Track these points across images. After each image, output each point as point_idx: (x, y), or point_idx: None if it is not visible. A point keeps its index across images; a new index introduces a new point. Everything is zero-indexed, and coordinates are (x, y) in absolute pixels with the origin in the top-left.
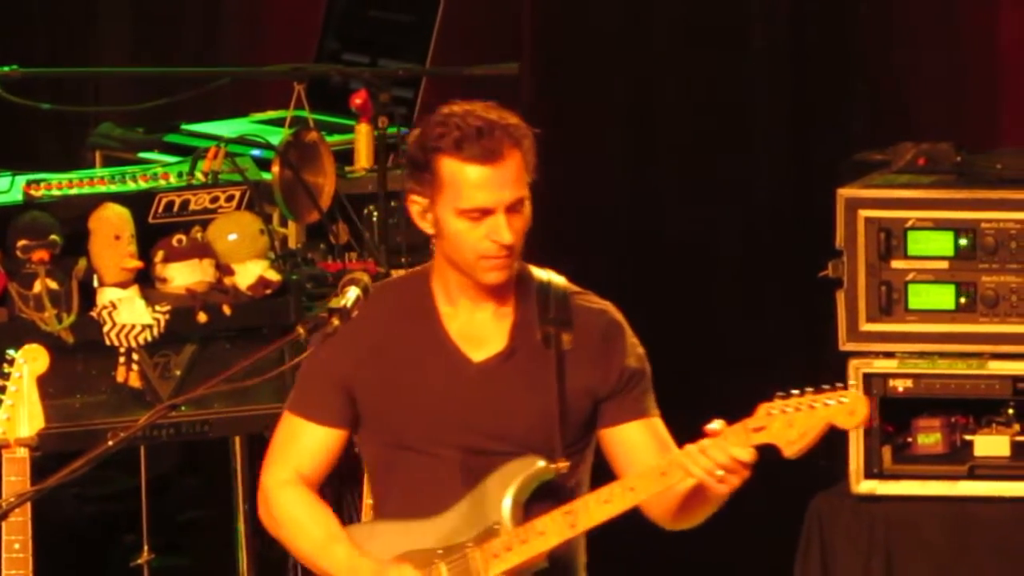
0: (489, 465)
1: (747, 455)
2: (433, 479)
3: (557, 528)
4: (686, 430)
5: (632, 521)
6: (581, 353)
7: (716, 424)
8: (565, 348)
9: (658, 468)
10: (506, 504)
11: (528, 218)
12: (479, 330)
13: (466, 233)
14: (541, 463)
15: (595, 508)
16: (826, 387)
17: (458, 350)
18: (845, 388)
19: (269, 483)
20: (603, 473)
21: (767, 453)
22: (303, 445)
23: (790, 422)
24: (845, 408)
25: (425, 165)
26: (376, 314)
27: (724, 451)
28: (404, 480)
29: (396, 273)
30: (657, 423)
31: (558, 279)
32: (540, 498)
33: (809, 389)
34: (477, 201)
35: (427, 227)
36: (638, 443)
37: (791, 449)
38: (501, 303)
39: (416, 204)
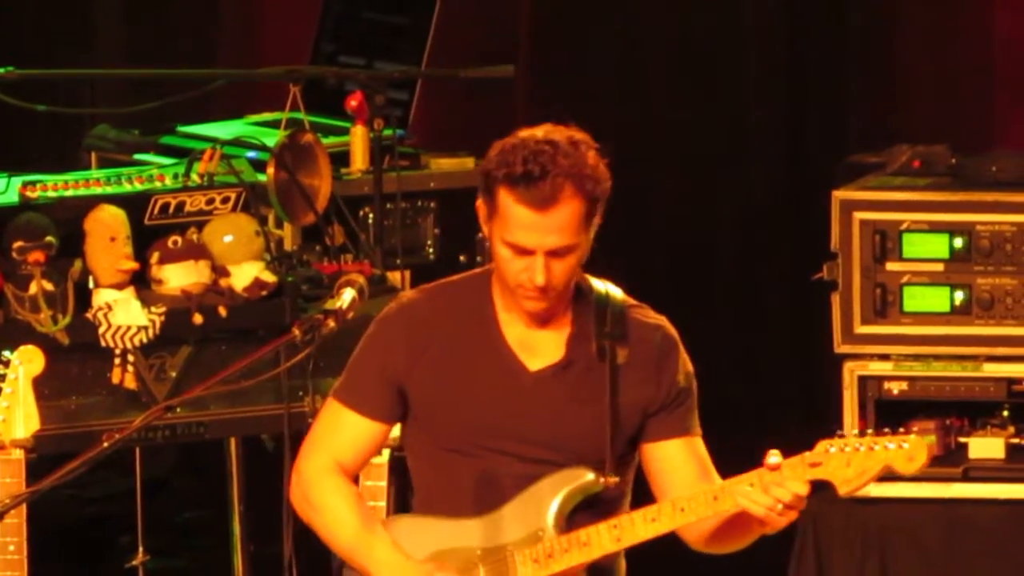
0: (537, 473)
1: (805, 490)
2: (480, 483)
3: (601, 541)
4: None
5: None
6: (635, 368)
7: (775, 458)
8: (620, 362)
9: (711, 492)
10: (552, 512)
11: (580, 259)
12: (537, 339)
13: (508, 261)
14: (591, 476)
15: (641, 525)
16: (887, 430)
17: (515, 357)
18: (907, 432)
19: (307, 468)
20: (642, 486)
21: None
22: (346, 435)
23: (848, 461)
24: (905, 453)
25: (487, 187)
26: (435, 312)
27: (787, 489)
28: (449, 481)
29: (391, 275)
30: (698, 443)
31: (616, 292)
32: (583, 508)
33: (870, 431)
34: (519, 239)
35: (486, 232)
36: (678, 461)
37: (846, 488)
38: (557, 317)
39: (481, 210)
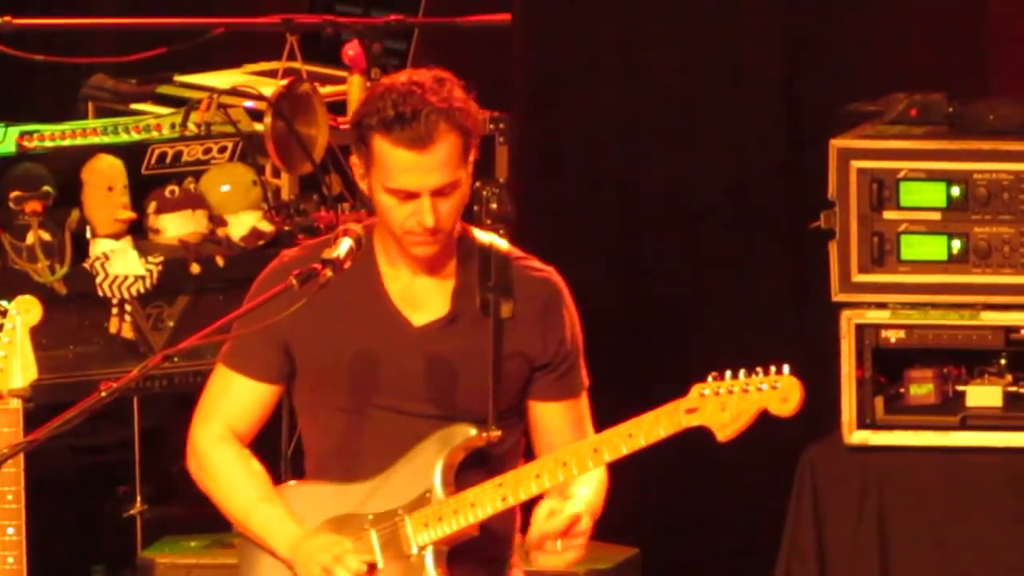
0: (423, 430)
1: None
2: (368, 442)
3: (488, 500)
4: (675, 381)
5: (620, 473)
6: (521, 322)
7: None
8: (505, 316)
9: (591, 444)
10: (437, 473)
11: (463, 198)
12: (420, 293)
13: (393, 209)
14: (473, 431)
15: (526, 482)
16: (760, 369)
17: (399, 313)
18: (780, 372)
19: (200, 438)
20: None
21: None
22: (236, 400)
23: (723, 404)
24: (778, 394)
25: (361, 137)
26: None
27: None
28: (337, 441)
29: None
30: (581, 402)
31: (501, 243)
32: (473, 465)
33: (743, 371)
34: (402, 183)
35: (364, 189)
36: (557, 421)
37: (723, 432)
38: (441, 267)
39: (356, 167)
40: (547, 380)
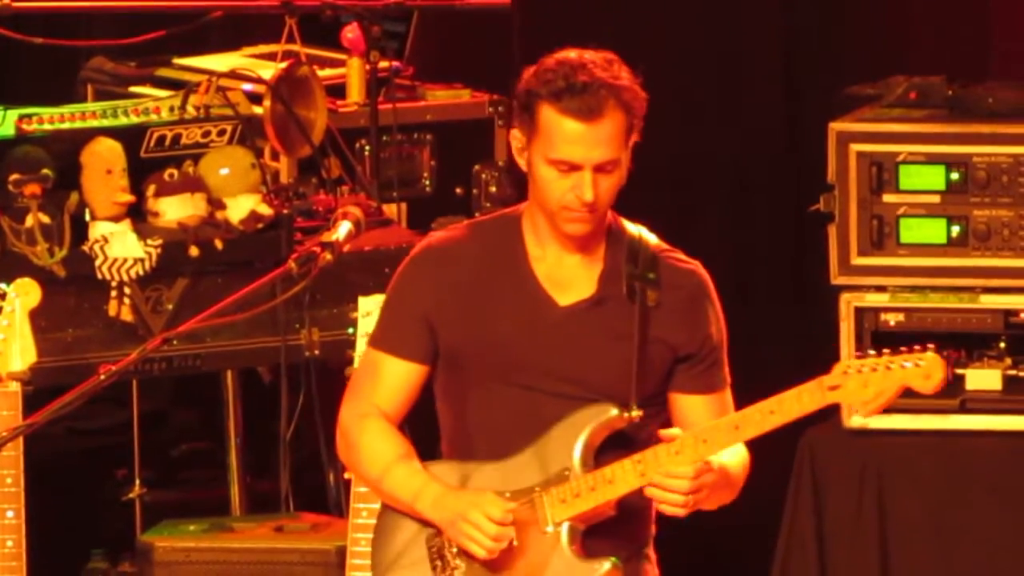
0: (563, 409)
1: (691, 471)
2: (505, 420)
3: (626, 477)
4: None
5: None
6: (667, 311)
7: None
8: (650, 304)
9: (732, 421)
10: (577, 450)
11: (620, 179)
12: (567, 275)
13: (553, 182)
14: (614, 411)
15: (665, 458)
16: (904, 349)
17: (545, 292)
18: (923, 350)
19: (347, 416)
20: None
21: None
22: (385, 381)
23: (866, 382)
24: (922, 371)
25: (527, 106)
26: (465, 251)
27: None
28: (476, 420)
29: (388, 207)
30: (724, 396)
31: (649, 235)
32: (612, 447)
33: (887, 351)
34: (566, 154)
35: (522, 164)
36: (699, 415)
37: (865, 409)
38: (590, 251)
39: (516, 140)
40: (690, 373)
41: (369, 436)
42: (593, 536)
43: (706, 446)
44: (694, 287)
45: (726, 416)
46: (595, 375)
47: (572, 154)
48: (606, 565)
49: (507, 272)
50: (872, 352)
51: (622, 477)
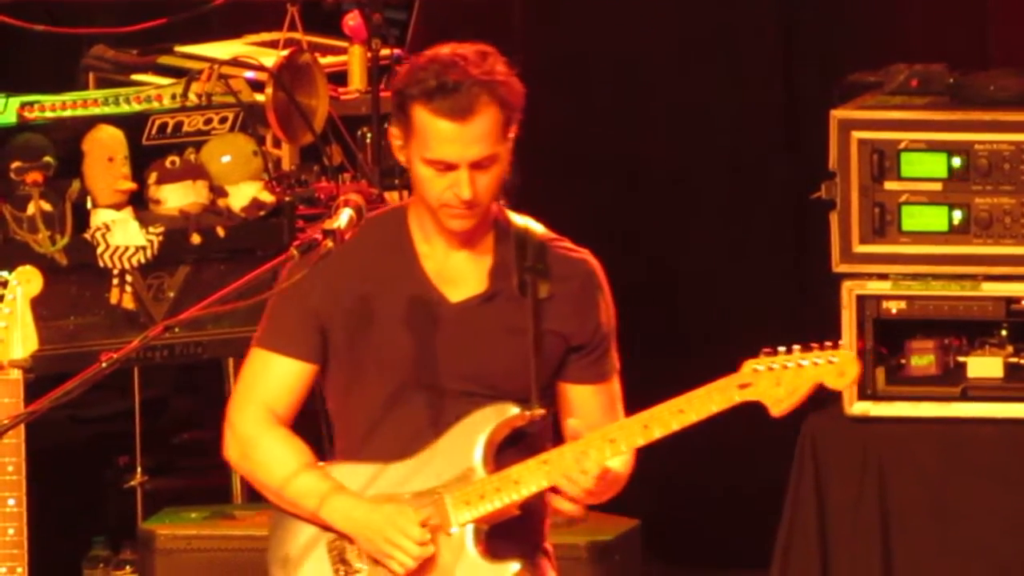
0: (463, 408)
1: (596, 470)
2: (402, 420)
3: (533, 477)
4: (675, 356)
5: None
6: (558, 302)
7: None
8: (542, 296)
9: (641, 420)
10: (478, 451)
11: (502, 172)
12: (457, 271)
13: (431, 180)
14: (515, 410)
15: (572, 459)
16: (815, 345)
17: (436, 290)
18: (835, 347)
19: (241, 423)
20: None
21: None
22: (275, 381)
23: (778, 379)
24: (835, 368)
25: (401, 107)
26: (352, 248)
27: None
28: (372, 421)
29: (389, 195)
30: (613, 385)
31: (536, 226)
32: (509, 443)
33: (797, 347)
34: (441, 154)
35: (403, 161)
36: (590, 404)
37: (778, 407)
38: (477, 245)
39: (394, 138)
40: (582, 363)
41: (267, 443)
42: (494, 535)
43: (613, 445)
44: (584, 277)
45: (636, 416)
46: (492, 371)
47: (447, 154)
48: (514, 567)
49: (397, 269)
50: (782, 348)
51: (528, 478)
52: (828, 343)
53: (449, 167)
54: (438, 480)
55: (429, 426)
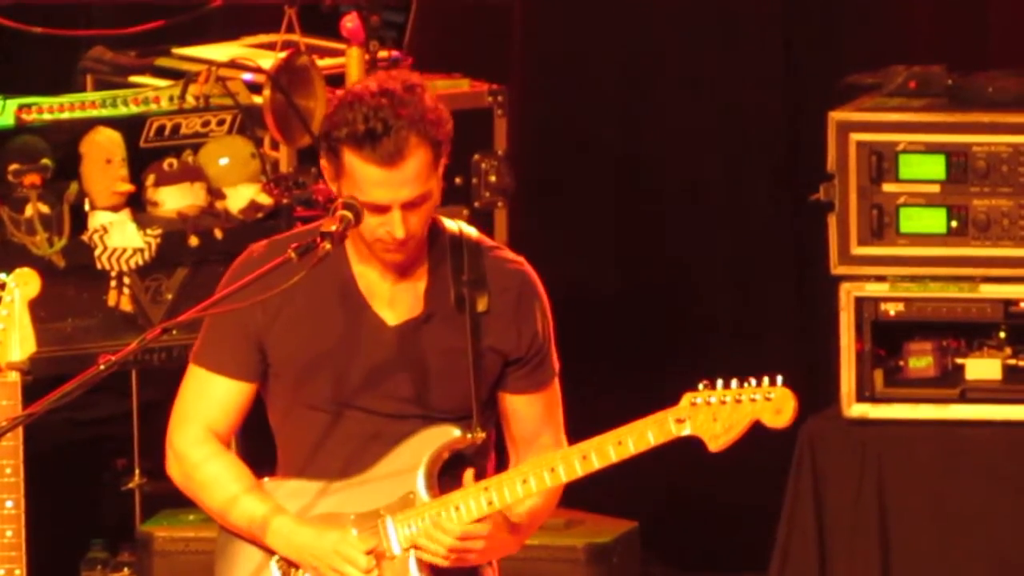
0: (404, 430)
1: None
2: (343, 441)
3: (475, 503)
4: (673, 354)
5: None
6: (495, 316)
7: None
8: (479, 311)
9: (581, 451)
10: (420, 475)
11: (432, 207)
12: (393, 292)
13: (363, 218)
14: (457, 432)
15: (512, 487)
16: (752, 379)
17: (373, 313)
18: (773, 382)
19: (181, 442)
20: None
21: None
22: (214, 401)
23: (715, 415)
24: (772, 405)
25: (331, 148)
26: (288, 265)
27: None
28: (313, 440)
29: None
30: (551, 391)
31: (470, 231)
32: (450, 464)
33: (735, 381)
34: (373, 198)
35: (334, 192)
36: (529, 412)
37: (715, 443)
38: (413, 268)
39: (326, 171)
40: (519, 373)
41: (209, 466)
42: None
43: (553, 475)
44: (521, 287)
45: (576, 445)
46: (432, 393)
47: (378, 197)
48: None
49: (334, 291)
50: (720, 382)
51: (469, 503)
52: (766, 377)
53: (381, 209)
54: (380, 502)
55: (369, 447)
